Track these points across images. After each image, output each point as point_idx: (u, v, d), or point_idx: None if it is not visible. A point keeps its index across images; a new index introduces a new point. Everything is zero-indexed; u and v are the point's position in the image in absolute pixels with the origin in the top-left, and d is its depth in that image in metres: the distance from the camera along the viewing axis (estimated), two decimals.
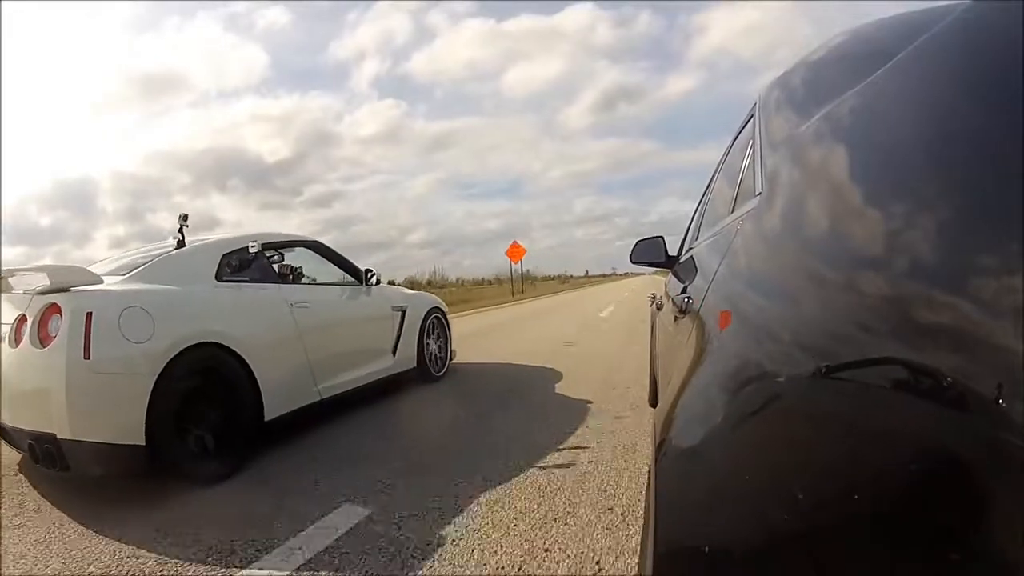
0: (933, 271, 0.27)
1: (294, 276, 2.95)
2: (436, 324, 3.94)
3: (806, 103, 0.72)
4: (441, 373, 3.87)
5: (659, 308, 2.11)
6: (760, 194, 0.74)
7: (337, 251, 3.29)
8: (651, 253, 2.06)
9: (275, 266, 2.81)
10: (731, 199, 1.10)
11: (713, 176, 1.80)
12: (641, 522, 1.32)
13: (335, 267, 3.28)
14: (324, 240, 3.25)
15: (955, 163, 0.30)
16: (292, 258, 3.02)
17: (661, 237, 2.09)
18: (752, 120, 1.05)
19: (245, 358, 2.21)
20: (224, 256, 2.48)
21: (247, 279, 2.55)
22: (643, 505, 1.28)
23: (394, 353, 3.40)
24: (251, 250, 2.59)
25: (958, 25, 0.37)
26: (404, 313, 3.54)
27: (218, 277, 2.41)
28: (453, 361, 4.17)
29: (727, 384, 0.49)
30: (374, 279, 3.41)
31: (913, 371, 0.26)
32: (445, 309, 4.16)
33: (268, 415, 2.29)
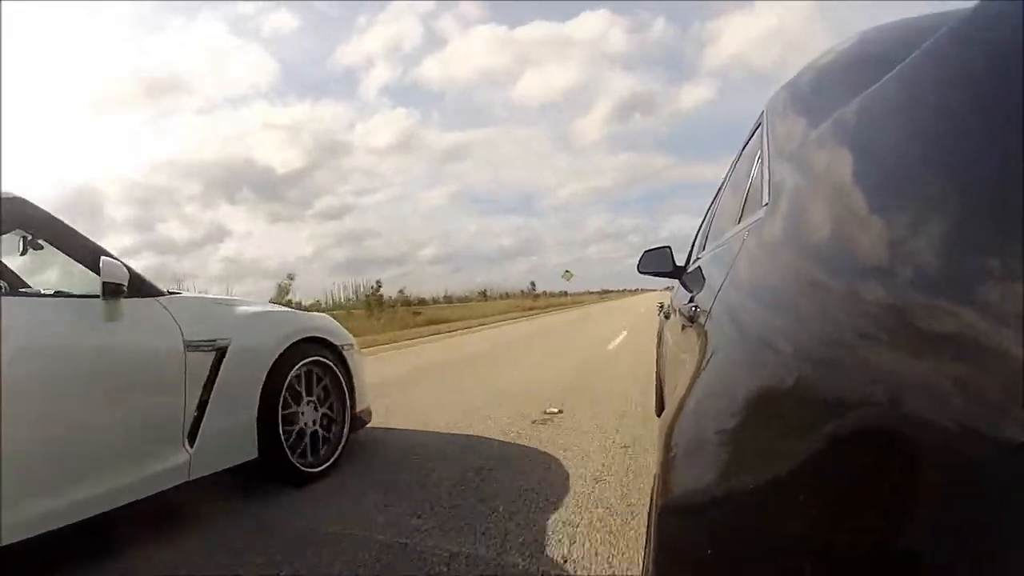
0: (943, 282, 0.27)
1: None
2: (317, 374, 2.15)
3: (812, 111, 0.71)
4: (321, 467, 2.05)
5: (667, 317, 2.10)
6: (767, 204, 0.74)
7: (67, 223, 1.59)
8: (658, 263, 2.05)
9: None
10: (738, 209, 1.10)
11: (721, 186, 1.80)
12: None
13: (80, 259, 1.59)
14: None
15: (964, 170, 0.30)
16: None
17: (668, 247, 2.08)
18: (760, 129, 1.04)
19: None
20: None
21: None
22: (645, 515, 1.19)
23: (191, 437, 1.66)
24: None
25: (963, 29, 0.37)
26: (224, 353, 1.77)
27: None
28: (366, 427, 2.44)
29: (732, 394, 0.48)
30: (165, 291, 1.74)
31: (921, 381, 0.26)
32: (345, 342, 2.33)
33: None
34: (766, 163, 0.87)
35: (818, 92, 0.75)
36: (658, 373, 2.53)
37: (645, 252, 2.14)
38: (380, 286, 18.38)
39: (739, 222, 1.01)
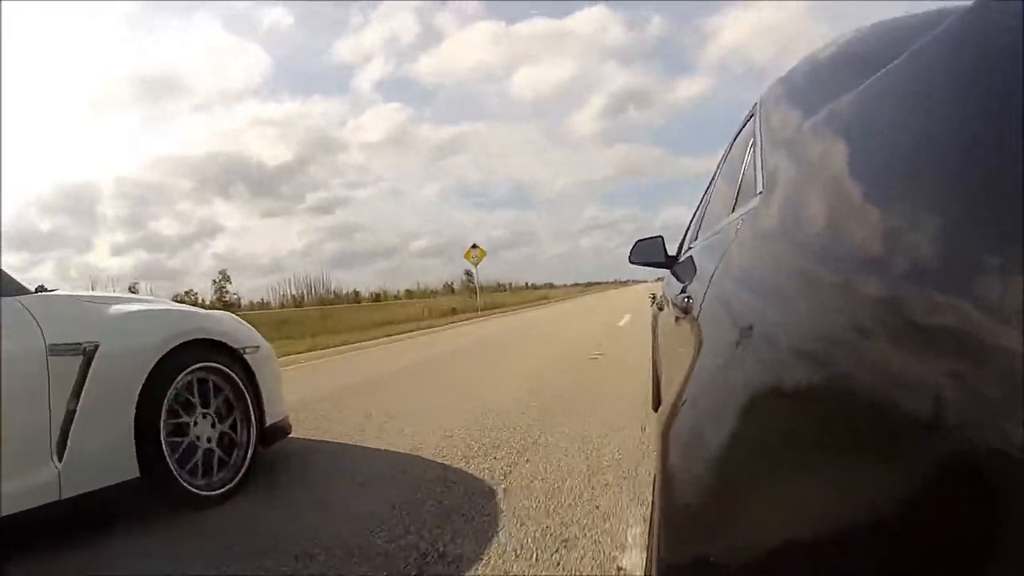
0: (936, 273, 0.27)
1: None
2: (214, 382, 1.94)
3: (808, 103, 0.71)
4: (222, 489, 1.84)
5: (660, 308, 2.10)
6: (760, 193, 0.73)
7: None
8: (650, 253, 2.05)
9: None
10: (731, 199, 1.10)
11: (714, 175, 1.80)
12: None
13: None
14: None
15: (958, 164, 0.30)
16: None
17: (660, 237, 2.08)
18: (753, 119, 1.04)
19: None
20: None
21: None
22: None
23: (59, 453, 1.50)
24: None
25: (960, 26, 0.37)
26: (93, 356, 1.60)
27: None
28: (283, 440, 2.27)
29: (728, 388, 0.48)
30: (30, 289, 1.63)
31: (915, 374, 0.26)
32: (248, 345, 2.10)
33: None
34: (759, 154, 0.86)
35: (815, 85, 0.75)
36: (654, 365, 2.55)
37: (637, 242, 2.14)
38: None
39: (732, 211, 1.01)
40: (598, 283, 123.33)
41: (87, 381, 1.58)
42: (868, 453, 0.27)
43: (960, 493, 0.22)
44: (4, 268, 1.59)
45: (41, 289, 1.71)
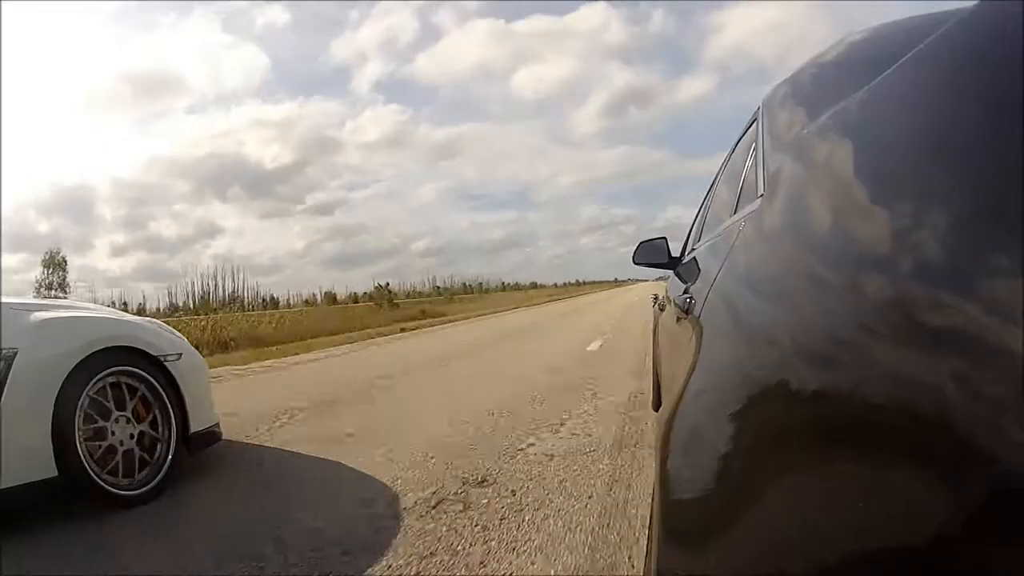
0: (940, 274, 0.26)
1: None
2: (130, 386, 1.99)
3: (810, 106, 0.72)
4: (141, 489, 1.92)
5: (662, 309, 2.10)
6: (762, 196, 0.74)
7: None
8: (654, 254, 2.06)
9: None
10: (733, 200, 1.10)
11: (716, 177, 1.80)
12: None
13: None
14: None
15: (965, 165, 0.29)
16: None
17: (664, 238, 2.09)
18: (756, 123, 1.05)
19: None
20: None
21: None
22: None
23: None
24: None
25: (962, 28, 0.37)
26: (12, 362, 1.71)
27: None
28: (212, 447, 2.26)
29: (729, 389, 0.48)
30: None
31: (921, 376, 0.25)
32: (169, 352, 2.15)
33: None
34: (762, 156, 0.87)
35: (818, 87, 0.75)
36: (655, 366, 2.54)
37: (641, 243, 2.15)
38: None
39: (735, 212, 1.01)
40: (599, 282, 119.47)
41: (6, 387, 1.68)
42: (871, 456, 0.27)
43: (965, 496, 0.21)
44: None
45: None
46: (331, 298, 30.45)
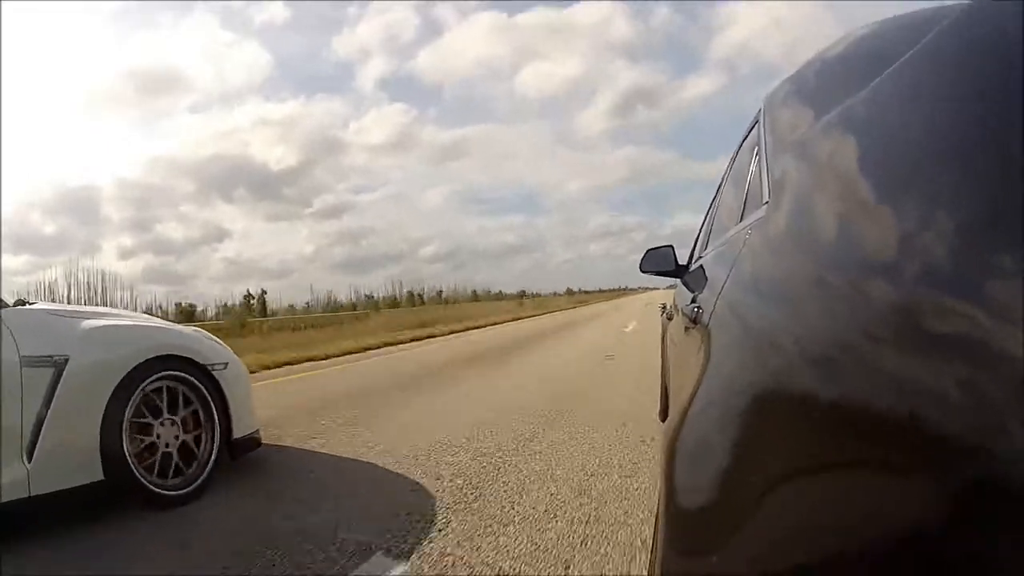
0: (949, 279, 0.26)
1: None
2: (184, 393, 2.05)
3: (812, 107, 0.71)
4: (185, 490, 1.95)
5: (669, 318, 2.09)
6: (767, 203, 0.73)
7: None
8: (661, 262, 2.08)
9: None
10: (739, 207, 1.09)
11: (721, 182, 1.79)
12: None
13: None
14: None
15: (969, 165, 0.29)
16: None
17: (671, 246, 2.10)
18: (757, 125, 1.04)
19: None
20: None
21: None
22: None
23: (27, 455, 1.64)
24: None
25: (964, 23, 0.37)
26: (64, 368, 1.74)
27: None
28: (253, 452, 2.31)
29: (737, 399, 0.48)
30: (8, 303, 1.78)
31: (930, 382, 0.25)
32: (217, 361, 2.19)
33: None
34: (765, 161, 0.86)
35: (820, 87, 0.75)
36: (663, 376, 2.53)
37: (648, 251, 2.16)
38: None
39: (741, 219, 1.00)
40: (606, 291, 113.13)
41: (57, 391, 1.73)
42: (880, 467, 0.26)
43: (972, 502, 0.21)
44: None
45: (20, 303, 1.86)
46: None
